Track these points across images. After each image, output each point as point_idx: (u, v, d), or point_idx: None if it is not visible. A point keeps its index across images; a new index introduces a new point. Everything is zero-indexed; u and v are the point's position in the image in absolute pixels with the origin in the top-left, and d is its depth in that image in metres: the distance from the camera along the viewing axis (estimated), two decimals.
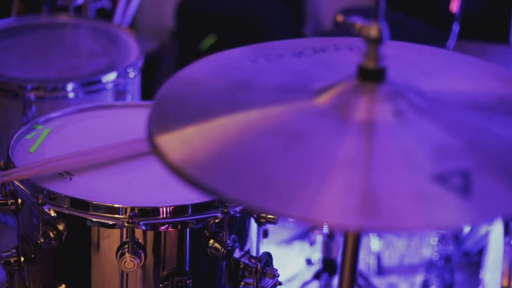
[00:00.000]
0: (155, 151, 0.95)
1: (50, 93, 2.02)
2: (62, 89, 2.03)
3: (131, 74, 2.14)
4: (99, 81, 2.07)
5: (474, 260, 2.65)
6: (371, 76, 1.00)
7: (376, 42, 0.98)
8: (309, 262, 2.54)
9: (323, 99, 1.00)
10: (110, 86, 2.09)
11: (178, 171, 0.90)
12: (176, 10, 3.31)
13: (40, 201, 1.41)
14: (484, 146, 0.95)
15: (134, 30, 3.38)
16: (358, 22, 1.00)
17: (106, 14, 2.80)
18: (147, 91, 2.59)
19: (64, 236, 1.43)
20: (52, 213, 1.41)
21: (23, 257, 1.50)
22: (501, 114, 1.03)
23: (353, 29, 1.01)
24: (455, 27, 2.85)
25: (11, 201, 1.49)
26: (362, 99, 0.99)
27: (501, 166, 0.91)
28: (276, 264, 1.54)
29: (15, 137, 1.60)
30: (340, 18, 1.01)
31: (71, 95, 2.04)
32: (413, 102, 1.01)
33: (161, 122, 0.99)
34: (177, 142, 0.95)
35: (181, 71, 1.13)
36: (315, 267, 2.42)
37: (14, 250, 1.51)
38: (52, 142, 1.62)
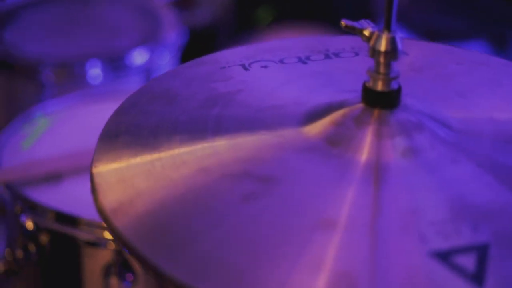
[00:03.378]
0: (91, 185, 0.74)
1: (70, 74, 1.82)
2: (84, 70, 1.83)
3: (165, 57, 1.92)
4: (127, 63, 1.86)
5: None
6: (380, 100, 0.76)
7: (387, 57, 0.74)
8: None
9: (315, 129, 0.77)
10: (140, 69, 1.88)
11: (106, 221, 0.69)
12: None
13: (17, 210, 1.23)
14: None
15: (187, 1, 3.17)
16: (368, 28, 0.76)
17: None
18: None
19: (47, 251, 1.25)
20: (30, 226, 1.23)
21: (7, 267, 1.32)
22: None
23: (362, 37, 0.77)
24: None
25: None
26: (366, 131, 0.75)
27: None
28: None
29: (9, 129, 1.41)
30: (343, 23, 0.77)
31: (94, 77, 1.83)
32: (435, 135, 0.76)
33: (107, 146, 0.78)
34: (117, 178, 0.73)
35: (156, 79, 0.91)
36: None
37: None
38: (49, 138, 1.42)
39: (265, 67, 0.91)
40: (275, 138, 0.76)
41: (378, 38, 0.74)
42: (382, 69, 0.75)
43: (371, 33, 0.76)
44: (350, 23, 0.77)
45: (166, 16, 2.07)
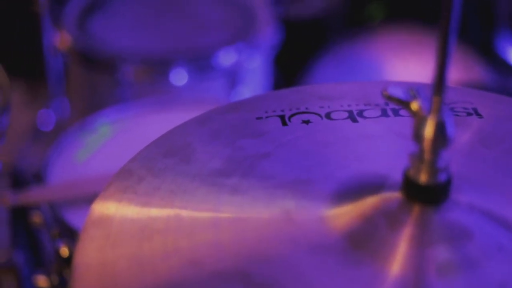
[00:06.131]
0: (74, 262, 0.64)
1: (151, 72, 1.71)
2: (167, 69, 1.71)
3: (256, 59, 1.77)
4: (213, 64, 1.72)
5: None
6: (422, 195, 0.61)
7: (433, 145, 0.59)
8: None
9: (339, 220, 0.62)
10: (226, 71, 1.73)
11: None
12: None
13: (53, 234, 1.14)
14: None
15: None
16: (416, 101, 0.61)
17: None
18: (304, 60, 2.25)
19: None
20: (65, 253, 1.13)
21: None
22: None
23: (410, 112, 0.62)
24: None
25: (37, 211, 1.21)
26: (400, 234, 0.60)
27: None
28: None
29: (67, 136, 1.32)
30: (385, 93, 0.63)
31: (177, 78, 1.72)
32: (491, 243, 0.61)
33: (107, 202, 0.67)
34: (100, 259, 0.62)
35: (179, 127, 0.79)
36: None
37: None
38: (108, 150, 1.32)
39: (307, 122, 0.77)
40: (289, 226, 0.63)
41: (423, 120, 0.59)
42: (427, 157, 0.60)
43: (420, 109, 0.60)
44: (394, 93, 0.62)
45: (261, 11, 1.91)
